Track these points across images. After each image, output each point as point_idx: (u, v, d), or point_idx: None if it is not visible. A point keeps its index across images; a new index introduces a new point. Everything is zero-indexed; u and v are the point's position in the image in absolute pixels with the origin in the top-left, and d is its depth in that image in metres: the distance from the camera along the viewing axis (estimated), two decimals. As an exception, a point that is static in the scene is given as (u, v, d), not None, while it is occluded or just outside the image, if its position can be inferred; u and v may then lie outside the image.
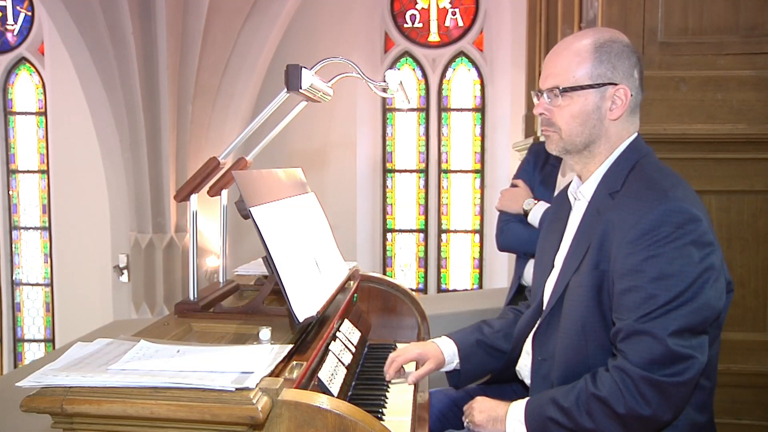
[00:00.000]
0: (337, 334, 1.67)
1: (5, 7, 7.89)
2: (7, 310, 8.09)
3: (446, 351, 1.69)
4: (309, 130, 7.03)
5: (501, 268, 7.20)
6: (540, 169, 2.40)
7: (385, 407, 1.53)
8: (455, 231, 7.74)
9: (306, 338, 1.43)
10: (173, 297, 6.84)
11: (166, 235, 6.89)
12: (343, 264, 1.97)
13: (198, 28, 6.41)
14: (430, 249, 7.73)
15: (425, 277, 7.75)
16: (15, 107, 8.04)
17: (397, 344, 2.02)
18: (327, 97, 1.69)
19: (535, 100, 1.48)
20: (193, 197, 1.58)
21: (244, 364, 1.15)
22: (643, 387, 1.24)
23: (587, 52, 1.39)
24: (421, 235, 7.76)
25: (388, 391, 1.62)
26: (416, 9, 7.58)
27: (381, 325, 2.14)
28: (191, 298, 1.60)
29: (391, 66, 7.56)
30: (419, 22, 7.59)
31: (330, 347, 1.56)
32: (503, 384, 1.76)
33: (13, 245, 8.13)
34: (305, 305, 1.41)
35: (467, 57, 7.59)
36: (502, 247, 2.41)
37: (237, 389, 1.05)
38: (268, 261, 1.41)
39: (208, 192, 1.71)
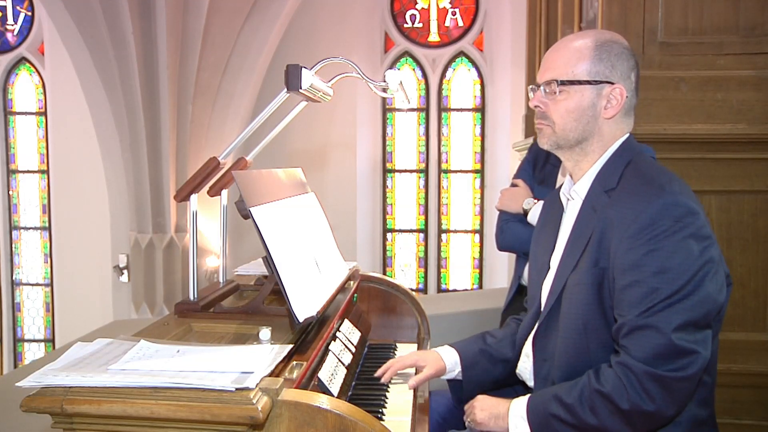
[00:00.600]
0: (337, 334, 1.67)
1: (5, 7, 7.89)
2: (7, 310, 8.10)
3: (447, 359, 1.66)
4: (309, 130, 7.03)
5: (501, 268, 7.20)
6: (540, 168, 2.40)
7: (385, 407, 1.53)
8: (455, 231, 7.74)
9: (306, 338, 1.43)
10: (173, 297, 6.84)
11: (166, 235, 6.90)
12: (343, 264, 1.97)
13: (198, 28, 6.41)
14: (430, 249, 7.73)
15: (425, 277, 7.76)
16: (15, 107, 8.04)
17: (397, 344, 2.02)
18: (327, 97, 1.69)
19: (531, 95, 1.48)
20: (193, 197, 1.58)
21: (244, 364, 1.15)
22: (647, 382, 1.24)
23: (588, 50, 1.40)
24: (421, 235, 7.76)
25: (388, 391, 1.62)
26: (416, 9, 7.58)
27: (381, 325, 2.14)
28: (191, 298, 1.60)
29: (391, 66, 7.56)
30: (419, 22, 7.59)
31: (330, 347, 1.56)
32: (507, 387, 1.75)
33: (13, 245, 8.13)
34: (305, 305, 1.41)
35: (467, 57, 7.59)
36: (501, 247, 2.41)
37: (237, 389, 1.05)
38: (268, 261, 1.41)
39: (208, 192, 1.71)
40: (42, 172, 8.02)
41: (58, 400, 1.06)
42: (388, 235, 7.79)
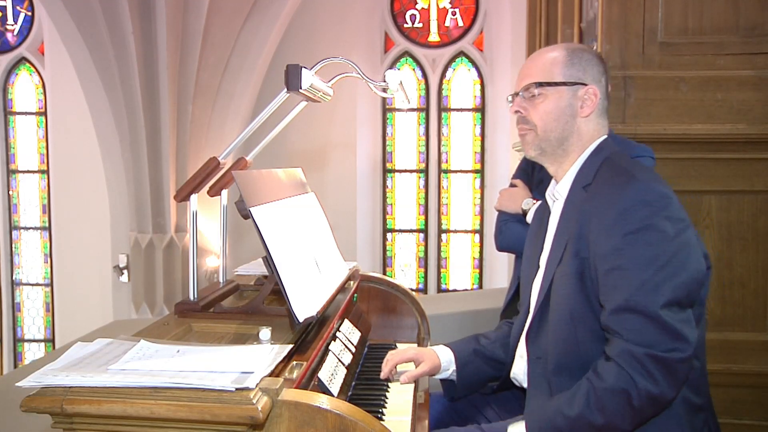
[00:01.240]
0: (337, 334, 1.67)
1: (5, 7, 7.89)
2: (7, 310, 8.10)
3: (443, 357, 1.69)
4: (309, 130, 7.03)
5: (501, 268, 7.20)
6: (539, 168, 2.40)
7: (385, 407, 1.53)
8: (455, 231, 7.74)
9: (306, 338, 1.43)
10: (173, 297, 6.84)
11: (166, 235, 6.89)
12: (343, 264, 1.97)
13: (198, 28, 6.41)
14: (430, 249, 7.73)
15: (425, 277, 7.75)
16: (15, 107, 8.04)
17: (397, 344, 2.02)
18: (327, 97, 1.69)
19: (509, 102, 1.55)
20: (193, 197, 1.58)
21: (244, 364, 1.15)
22: (650, 365, 1.25)
23: (560, 56, 1.49)
24: (421, 235, 7.76)
25: (388, 391, 1.62)
26: (416, 9, 7.58)
27: (381, 325, 2.14)
28: (191, 298, 1.60)
29: (391, 66, 7.56)
30: (419, 22, 7.59)
31: (330, 347, 1.56)
32: (504, 391, 1.76)
33: (13, 245, 8.13)
34: (305, 305, 1.41)
35: (467, 57, 7.59)
36: (501, 247, 2.41)
37: (237, 389, 1.05)
38: (268, 261, 1.41)
39: (208, 192, 1.71)
40: (42, 172, 8.02)
41: (58, 400, 1.06)
42: (388, 235, 7.79)
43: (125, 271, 7.09)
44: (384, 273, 7.38)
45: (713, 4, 2.44)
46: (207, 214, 6.11)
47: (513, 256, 2.51)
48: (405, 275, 7.77)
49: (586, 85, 1.47)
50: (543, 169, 2.38)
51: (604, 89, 1.50)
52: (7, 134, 8.02)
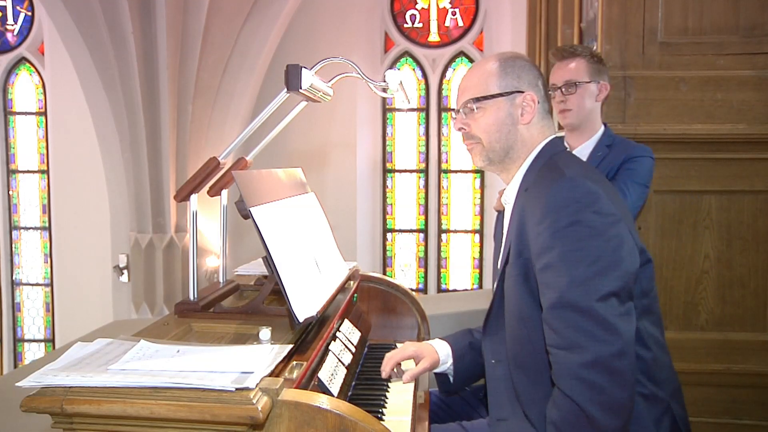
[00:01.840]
0: (337, 334, 1.67)
1: (5, 7, 7.89)
2: (7, 310, 8.09)
3: (441, 351, 1.71)
4: (309, 130, 7.03)
5: (501, 268, 7.19)
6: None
7: (385, 407, 1.53)
8: (455, 231, 7.74)
9: (306, 338, 1.43)
10: (173, 297, 6.84)
11: (166, 235, 6.89)
12: (343, 264, 1.97)
13: (198, 28, 6.41)
14: (430, 249, 7.73)
15: (425, 277, 7.75)
16: (15, 107, 8.04)
17: (397, 344, 2.02)
18: (327, 97, 1.69)
19: (453, 120, 1.55)
20: (193, 197, 1.58)
21: (244, 364, 1.15)
22: (587, 375, 1.23)
23: (494, 68, 1.52)
24: (421, 235, 7.76)
25: (388, 391, 1.62)
26: (416, 9, 7.58)
27: (381, 325, 2.14)
28: (191, 298, 1.60)
29: (391, 66, 7.56)
30: (419, 22, 7.59)
31: (330, 347, 1.56)
32: None
33: (13, 245, 8.13)
34: (305, 305, 1.41)
35: (467, 57, 7.59)
36: (501, 247, 2.41)
37: (237, 389, 1.05)
38: (268, 261, 1.41)
39: (208, 192, 1.71)
40: (42, 172, 8.01)
41: (58, 400, 1.06)
42: (388, 235, 7.79)
43: (125, 271, 7.09)
44: (384, 273, 7.38)
45: (713, 4, 2.44)
46: (207, 214, 6.11)
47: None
48: (405, 275, 7.77)
49: (522, 92, 1.49)
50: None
51: (542, 93, 1.52)
52: (7, 134, 8.02)
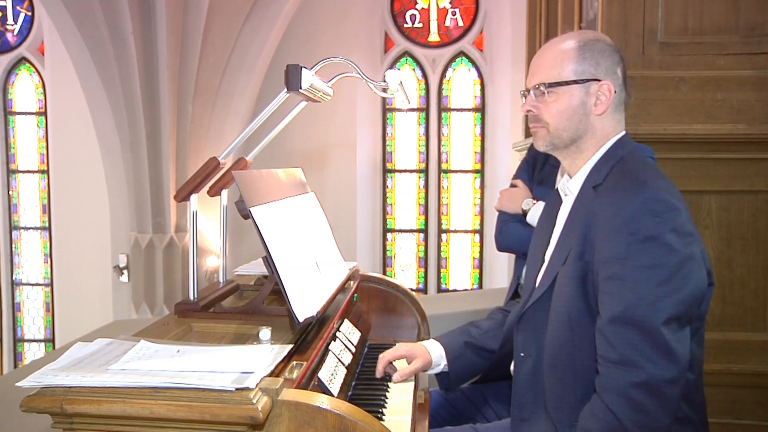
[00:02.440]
0: (337, 334, 1.67)
1: (5, 7, 7.89)
2: (7, 310, 8.09)
3: (433, 353, 1.69)
4: (309, 130, 7.03)
5: (501, 268, 7.20)
6: (539, 169, 2.40)
7: (385, 407, 1.53)
8: (455, 231, 7.74)
9: (306, 338, 1.43)
10: (173, 297, 6.84)
11: (166, 235, 6.89)
12: (343, 264, 1.97)
13: (198, 28, 6.41)
14: (430, 249, 7.73)
15: (425, 277, 7.75)
16: (15, 107, 8.04)
17: (397, 344, 2.01)
18: (327, 97, 1.69)
19: (522, 99, 1.51)
20: (193, 197, 1.58)
21: (244, 364, 1.15)
22: (636, 395, 1.22)
23: (571, 50, 1.43)
24: (421, 235, 7.76)
25: (388, 391, 1.62)
26: (416, 9, 7.58)
27: (381, 325, 2.14)
28: (191, 298, 1.60)
29: (391, 66, 7.56)
30: (419, 22, 7.59)
31: (330, 347, 1.56)
32: (498, 382, 1.75)
33: (13, 245, 8.13)
34: (305, 305, 1.41)
35: (467, 57, 7.59)
36: (501, 248, 2.41)
37: (237, 389, 1.05)
38: (268, 261, 1.41)
39: (208, 192, 1.71)
40: (42, 172, 8.01)
41: (58, 400, 1.06)
42: (388, 235, 7.79)
43: (125, 271, 7.09)
44: (384, 273, 7.38)
45: (713, 4, 2.44)
46: (207, 214, 6.10)
47: (513, 256, 2.51)
48: (405, 275, 7.77)
49: (599, 80, 1.41)
50: (544, 169, 2.39)
51: (619, 81, 1.44)
52: (7, 134, 8.02)
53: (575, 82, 1.41)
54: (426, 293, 7.59)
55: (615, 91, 1.42)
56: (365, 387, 1.63)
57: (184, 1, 6.34)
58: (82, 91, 6.77)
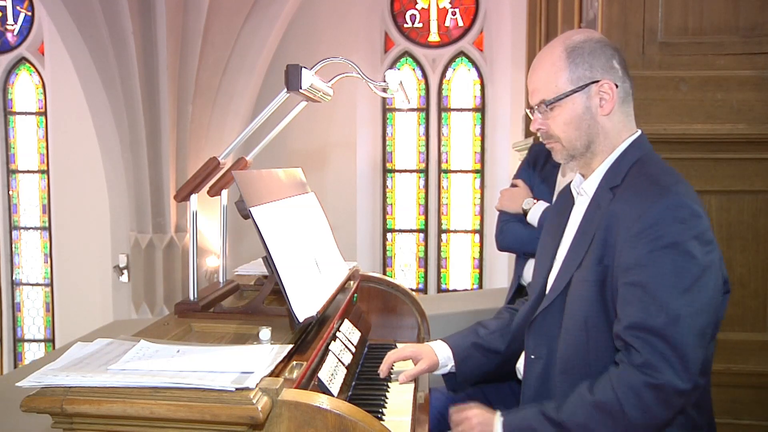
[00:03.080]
0: (337, 334, 1.67)
1: (5, 7, 7.89)
2: (7, 310, 8.09)
3: (440, 354, 1.67)
4: (309, 130, 7.03)
5: (501, 268, 7.20)
6: (540, 168, 2.40)
7: (385, 407, 1.53)
8: (455, 231, 7.74)
9: (306, 338, 1.43)
10: (173, 297, 6.84)
11: (166, 235, 6.89)
12: (343, 264, 1.97)
13: (198, 28, 6.41)
14: (430, 249, 7.73)
15: (425, 277, 7.75)
16: (15, 107, 8.04)
17: (397, 344, 2.01)
18: (327, 97, 1.69)
19: (531, 116, 1.50)
20: (193, 197, 1.58)
21: (244, 364, 1.15)
22: (647, 395, 1.23)
23: (561, 60, 1.42)
24: (421, 235, 7.76)
25: (388, 391, 1.62)
26: (416, 9, 7.58)
27: (381, 325, 2.14)
28: (191, 298, 1.60)
29: (391, 66, 7.56)
30: (419, 22, 7.59)
31: (330, 347, 1.56)
32: (500, 383, 1.75)
33: (13, 245, 8.13)
34: (305, 305, 1.41)
35: (467, 57, 7.59)
36: (501, 247, 2.41)
37: (237, 389, 1.05)
38: (268, 261, 1.41)
39: (208, 192, 1.71)
40: (42, 172, 8.02)
41: (58, 400, 1.06)
42: (388, 235, 7.79)
43: (125, 271, 7.09)
44: (384, 273, 7.38)
45: (713, 4, 2.44)
46: (207, 214, 6.10)
47: (513, 256, 2.51)
48: (405, 275, 7.77)
49: (597, 81, 1.39)
50: (544, 169, 2.39)
51: (619, 73, 1.42)
52: (7, 134, 8.02)
53: (573, 91, 1.40)
54: (426, 293, 7.59)
55: (617, 86, 1.41)
56: (365, 387, 1.63)
57: (184, 1, 6.34)
58: (82, 91, 6.77)
